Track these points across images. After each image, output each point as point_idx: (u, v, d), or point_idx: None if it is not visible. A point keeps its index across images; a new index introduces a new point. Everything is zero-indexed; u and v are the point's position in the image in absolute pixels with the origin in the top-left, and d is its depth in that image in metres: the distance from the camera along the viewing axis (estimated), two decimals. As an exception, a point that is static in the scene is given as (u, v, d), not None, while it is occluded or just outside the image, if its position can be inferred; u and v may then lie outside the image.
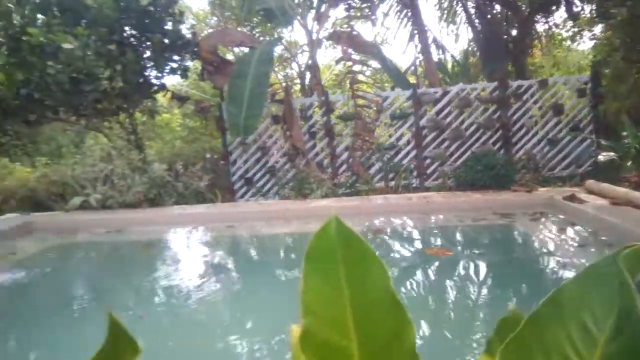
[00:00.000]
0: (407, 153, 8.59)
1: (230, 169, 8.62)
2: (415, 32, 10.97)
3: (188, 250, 5.77)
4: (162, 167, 7.15)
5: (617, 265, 0.61)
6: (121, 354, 0.60)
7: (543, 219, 5.54)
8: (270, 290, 4.19)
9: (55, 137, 10.07)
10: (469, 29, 11.51)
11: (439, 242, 5.44)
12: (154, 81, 7.51)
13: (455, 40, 21.52)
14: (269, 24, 11.05)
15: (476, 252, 4.92)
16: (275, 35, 11.37)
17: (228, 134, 8.33)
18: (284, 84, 10.28)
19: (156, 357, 2.95)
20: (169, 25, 7.38)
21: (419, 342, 2.35)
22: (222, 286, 4.42)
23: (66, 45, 5.92)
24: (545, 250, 4.60)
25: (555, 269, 4.12)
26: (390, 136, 9.13)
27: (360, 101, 8.51)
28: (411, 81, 11.02)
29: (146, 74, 7.31)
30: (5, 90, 6.42)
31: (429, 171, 8.59)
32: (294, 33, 16.64)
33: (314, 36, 9.31)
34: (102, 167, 6.88)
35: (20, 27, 6.10)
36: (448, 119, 8.61)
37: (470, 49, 12.54)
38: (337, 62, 10.71)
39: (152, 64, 7.24)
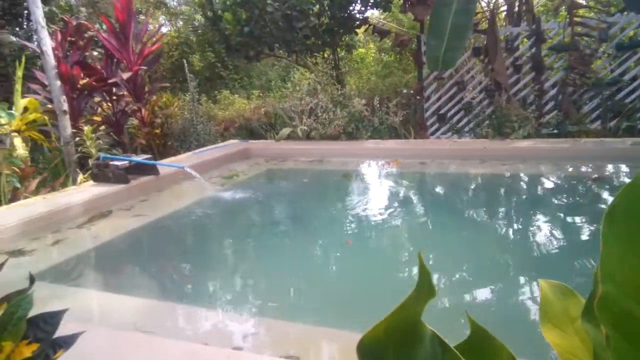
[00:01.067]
0: (633, 90, 7.33)
1: (423, 104, 8.48)
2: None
3: (381, 183, 5.99)
4: (361, 102, 7.39)
5: None
6: (423, 295, 0.66)
7: None
8: (453, 229, 4.16)
9: (266, 71, 11.11)
10: None
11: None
12: (357, 15, 7.61)
13: None
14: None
15: None
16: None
17: (425, 69, 8.13)
18: (487, 12, 9.48)
19: (363, 281, 3.22)
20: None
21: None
22: (411, 220, 4.54)
23: (283, -18, 6.34)
24: None
25: None
26: (612, 71, 7.86)
27: (579, 29, 7.42)
28: (648, 2, 9.13)
29: (350, 8, 7.44)
30: (231, 29, 7.23)
31: (660, 112, 7.25)
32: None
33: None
34: (308, 100, 7.40)
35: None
36: (697, 49, 7.03)
37: None
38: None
39: (356, -2, 7.33)
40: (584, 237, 3.85)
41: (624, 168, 5.65)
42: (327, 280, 3.36)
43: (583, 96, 7.51)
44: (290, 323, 2.77)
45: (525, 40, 8.12)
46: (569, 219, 4.29)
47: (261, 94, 9.76)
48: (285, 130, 7.55)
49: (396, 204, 5.00)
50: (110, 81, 7.14)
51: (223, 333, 2.69)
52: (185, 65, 8.37)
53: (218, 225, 4.81)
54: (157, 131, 8.21)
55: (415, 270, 3.29)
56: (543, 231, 4.02)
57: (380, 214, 4.67)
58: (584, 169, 5.69)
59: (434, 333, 0.68)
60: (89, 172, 5.78)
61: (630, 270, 0.65)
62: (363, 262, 3.56)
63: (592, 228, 3.99)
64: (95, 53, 8.80)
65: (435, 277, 3.15)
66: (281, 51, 8.40)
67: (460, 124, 8.14)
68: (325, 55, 8.30)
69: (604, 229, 0.67)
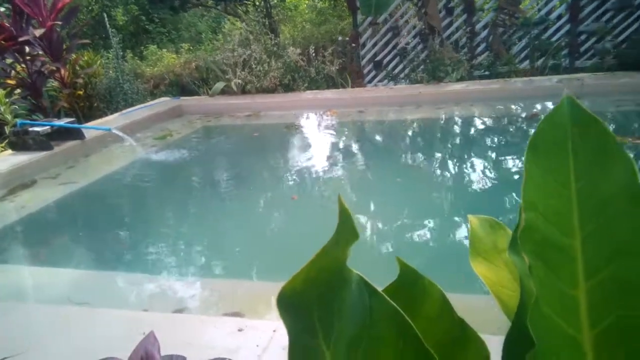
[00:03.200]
0: (558, 28, 7.57)
1: (359, 52, 8.39)
2: None
3: (321, 135, 5.94)
4: (296, 51, 7.19)
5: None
6: (344, 239, 0.62)
7: None
8: (393, 175, 4.23)
9: (194, 23, 10.53)
10: None
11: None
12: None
13: None
14: None
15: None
16: None
17: (359, 14, 7.98)
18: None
19: (306, 235, 3.21)
20: None
21: None
22: (353, 170, 4.56)
23: None
24: None
25: None
26: (539, 10, 8.06)
27: (507, -31, 7.48)
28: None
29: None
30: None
31: (582, 49, 7.56)
32: None
33: None
34: (241, 52, 7.11)
35: None
36: (615, -15, 7.28)
37: None
38: None
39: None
40: (517, 174, 4.02)
41: (551, 105, 5.89)
42: (274, 237, 3.33)
43: (512, 36, 7.69)
44: (235, 281, 2.74)
45: (456, -19, 8.11)
46: (502, 158, 4.45)
47: (191, 48, 9.28)
48: (219, 85, 7.26)
49: (337, 155, 4.99)
50: (21, 39, 6.51)
51: (166, 298, 2.62)
52: (106, 19, 7.78)
53: (152, 188, 4.63)
54: (80, 92, 7.66)
55: (360, 219, 3.33)
56: (478, 171, 4.15)
57: (322, 166, 4.65)
58: (514, 107, 5.89)
59: (361, 277, 0.65)
60: (6, 140, 5.35)
61: (551, 197, 0.63)
62: (309, 216, 3.55)
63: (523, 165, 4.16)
64: (2, 9, 7.98)
65: (375, 222, 3.20)
66: (211, 0, 7.95)
67: (396, 71, 8.15)
68: (257, 3, 7.94)
69: (527, 159, 0.66)
